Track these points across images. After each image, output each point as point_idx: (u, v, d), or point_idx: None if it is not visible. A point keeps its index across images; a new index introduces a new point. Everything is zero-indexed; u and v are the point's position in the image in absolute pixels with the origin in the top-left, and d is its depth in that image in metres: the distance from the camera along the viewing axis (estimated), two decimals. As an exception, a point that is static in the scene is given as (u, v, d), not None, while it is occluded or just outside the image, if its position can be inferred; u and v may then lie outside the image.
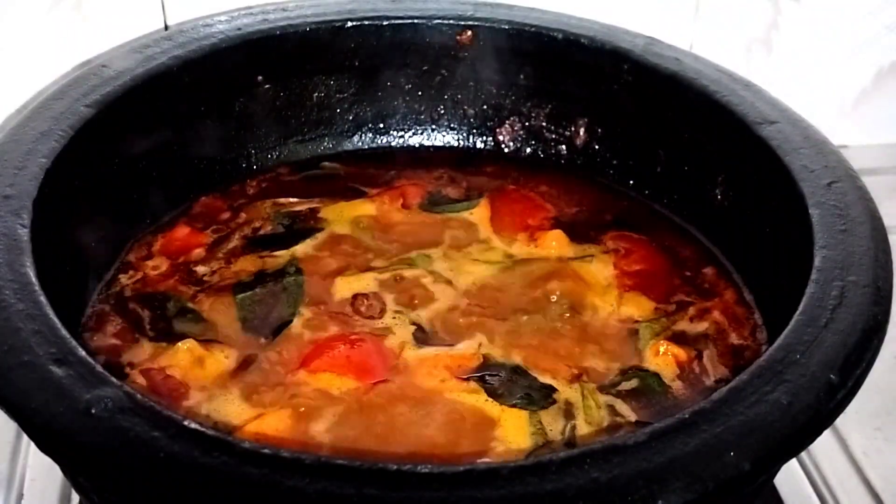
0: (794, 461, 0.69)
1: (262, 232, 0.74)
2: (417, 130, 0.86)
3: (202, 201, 0.77)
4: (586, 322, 0.67)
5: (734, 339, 0.66)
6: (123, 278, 0.69)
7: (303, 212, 0.76)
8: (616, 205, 0.79)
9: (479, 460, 0.56)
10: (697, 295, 0.70)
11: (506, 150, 0.85)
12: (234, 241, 0.73)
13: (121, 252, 0.71)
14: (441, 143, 0.86)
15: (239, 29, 0.77)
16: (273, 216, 0.76)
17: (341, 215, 0.76)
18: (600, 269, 0.71)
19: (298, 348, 0.63)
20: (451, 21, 0.82)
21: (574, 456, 0.46)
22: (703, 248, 0.74)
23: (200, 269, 0.70)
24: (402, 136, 0.86)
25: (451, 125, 0.86)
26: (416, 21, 0.82)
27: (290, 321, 0.65)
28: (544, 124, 0.84)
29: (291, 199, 0.78)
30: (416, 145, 0.86)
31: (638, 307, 0.68)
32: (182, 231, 0.73)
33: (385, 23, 0.81)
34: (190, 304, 0.67)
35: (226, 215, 0.76)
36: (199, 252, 0.71)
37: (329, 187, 0.80)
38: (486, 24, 0.81)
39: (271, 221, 0.75)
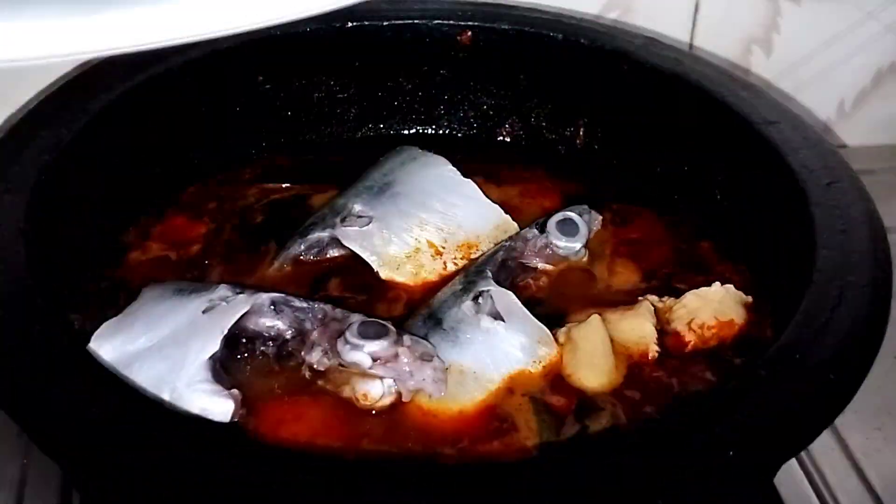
0: (793, 461, 0.69)
1: (251, 222, 0.73)
2: (417, 130, 0.86)
3: (190, 191, 0.77)
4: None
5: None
6: (114, 270, 0.69)
7: (288, 198, 0.76)
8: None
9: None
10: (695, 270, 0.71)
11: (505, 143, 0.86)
12: (226, 233, 0.73)
13: (116, 244, 0.71)
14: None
15: (239, 29, 0.77)
16: (260, 205, 0.75)
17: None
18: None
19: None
20: (451, 21, 0.82)
21: (573, 454, 0.46)
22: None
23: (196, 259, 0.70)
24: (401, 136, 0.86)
25: (451, 125, 0.86)
26: (416, 21, 0.82)
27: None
28: (544, 124, 0.85)
29: (280, 185, 0.78)
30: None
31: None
32: (178, 220, 0.73)
33: (385, 23, 0.81)
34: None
35: (213, 204, 0.76)
36: (195, 244, 0.71)
37: (319, 173, 0.79)
38: (486, 25, 0.82)
39: (259, 211, 0.75)
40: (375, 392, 0.57)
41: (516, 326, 0.62)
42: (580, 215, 0.70)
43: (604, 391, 0.60)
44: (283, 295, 0.60)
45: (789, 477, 0.69)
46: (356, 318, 0.58)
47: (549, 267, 0.69)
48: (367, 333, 0.57)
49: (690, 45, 0.96)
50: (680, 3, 0.94)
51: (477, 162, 0.80)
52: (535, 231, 0.70)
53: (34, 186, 0.59)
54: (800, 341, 0.52)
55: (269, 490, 0.43)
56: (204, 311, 0.58)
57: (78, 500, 0.65)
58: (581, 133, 0.84)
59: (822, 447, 0.71)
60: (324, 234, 0.69)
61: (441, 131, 0.86)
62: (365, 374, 0.57)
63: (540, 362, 0.61)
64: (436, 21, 0.82)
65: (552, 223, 0.69)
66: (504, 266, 0.67)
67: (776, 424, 0.47)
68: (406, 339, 0.57)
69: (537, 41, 0.81)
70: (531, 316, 0.62)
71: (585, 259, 0.70)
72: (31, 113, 0.66)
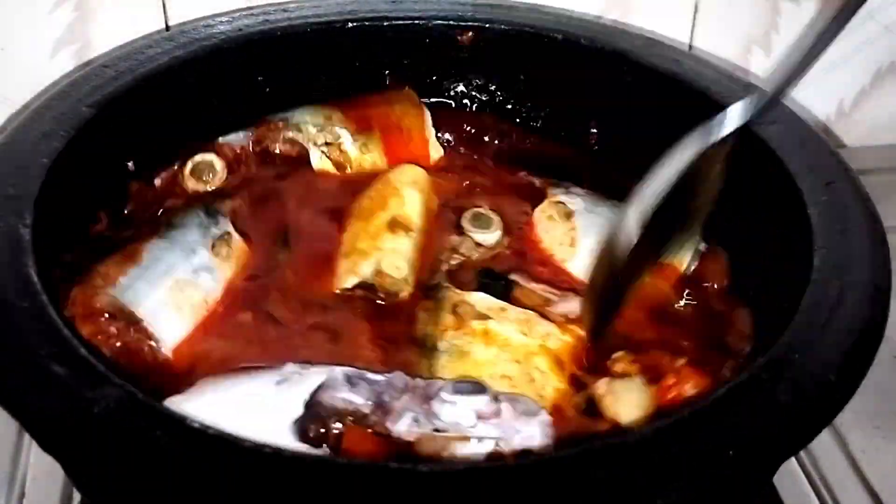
0: (792, 460, 0.69)
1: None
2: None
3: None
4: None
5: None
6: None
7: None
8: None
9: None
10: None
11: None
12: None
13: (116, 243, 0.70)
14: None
15: (240, 30, 0.77)
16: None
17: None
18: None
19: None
20: (451, 21, 0.82)
21: (574, 455, 0.46)
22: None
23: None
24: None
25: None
26: (416, 21, 0.82)
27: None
28: (544, 125, 0.85)
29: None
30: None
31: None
32: None
33: (385, 23, 0.81)
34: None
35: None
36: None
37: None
38: (486, 25, 0.82)
39: None
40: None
41: (506, 318, 0.63)
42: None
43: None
44: (356, 369, 0.57)
45: (789, 476, 0.69)
46: (442, 382, 0.57)
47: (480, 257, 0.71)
48: (463, 391, 0.55)
49: (690, 46, 0.96)
50: (680, 3, 0.95)
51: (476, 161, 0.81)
52: (456, 237, 0.71)
53: (36, 188, 0.59)
54: (799, 341, 0.52)
55: (269, 490, 0.43)
56: (277, 384, 0.56)
57: (79, 499, 0.65)
58: (580, 133, 0.84)
59: (822, 447, 0.71)
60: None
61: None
62: (462, 438, 0.54)
63: (546, 340, 0.62)
64: (436, 21, 0.82)
65: (465, 222, 0.72)
66: (453, 274, 0.68)
67: (776, 424, 0.48)
68: (502, 395, 0.56)
69: (537, 41, 0.81)
70: (513, 306, 0.64)
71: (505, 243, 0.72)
72: (31, 113, 0.66)
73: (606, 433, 0.57)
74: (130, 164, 0.72)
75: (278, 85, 0.80)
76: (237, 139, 0.76)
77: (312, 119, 0.77)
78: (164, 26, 0.88)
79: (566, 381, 0.60)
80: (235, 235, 0.68)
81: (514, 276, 0.68)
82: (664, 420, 0.47)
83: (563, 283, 0.68)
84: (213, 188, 0.73)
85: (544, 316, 0.64)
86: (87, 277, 0.60)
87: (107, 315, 0.59)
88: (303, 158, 0.77)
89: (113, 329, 0.59)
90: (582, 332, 0.63)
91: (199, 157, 0.73)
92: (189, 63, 0.74)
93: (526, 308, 0.65)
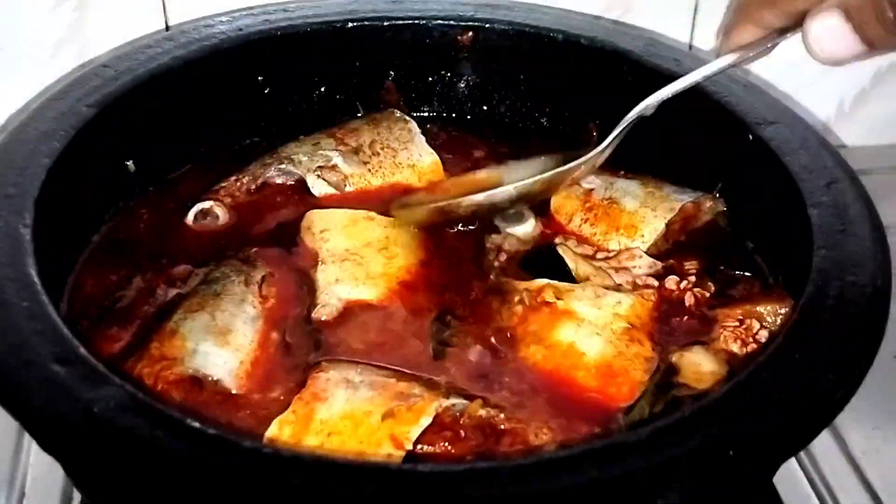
0: (792, 460, 0.69)
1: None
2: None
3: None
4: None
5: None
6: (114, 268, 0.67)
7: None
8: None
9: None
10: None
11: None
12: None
13: (116, 242, 0.70)
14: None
15: (240, 29, 0.77)
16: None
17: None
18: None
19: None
20: (452, 21, 0.82)
21: (574, 455, 0.46)
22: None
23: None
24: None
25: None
26: (416, 21, 0.82)
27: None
28: (544, 125, 0.84)
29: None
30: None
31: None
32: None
33: (385, 23, 0.81)
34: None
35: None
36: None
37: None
38: (487, 25, 0.82)
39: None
40: None
41: (575, 296, 0.64)
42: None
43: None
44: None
45: (789, 477, 0.69)
46: None
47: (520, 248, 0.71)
48: None
49: (690, 46, 0.96)
50: (680, 4, 0.95)
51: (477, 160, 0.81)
52: (497, 235, 0.71)
53: (36, 188, 0.60)
54: (799, 341, 0.52)
55: (269, 489, 0.43)
56: (383, 419, 0.54)
57: (79, 498, 0.65)
58: (580, 133, 0.84)
59: (822, 447, 0.71)
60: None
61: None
62: None
63: (617, 308, 0.63)
64: (436, 21, 0.82)
65: (498, 221, 0.72)
66: (505, 270, 0.68)
67: (776, 424, 0.48)
68: None
69: (537, 41, 0.81)
70: (577, 284, 0.65)
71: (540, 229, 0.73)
72: (31, 113, 0.66)
73: (606, 432, 0.57)
74: (130, 163, 0.72)
75: (278, 85, 0.80)
76: (232, 182, 0.74)
77: (302, 149, 0.76)
78: (164, 26, 0.88)
79: (647, 339, 0.62)
80: (275, 275, 0.66)
81: (561, 252, 0.69)
82: (664, 420, 0.47)
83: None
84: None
85: (607, 287, 0.65)
86: (145, 351, 0.58)
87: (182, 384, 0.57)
88: (302, 186, 0.75)
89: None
90: (652, 294, 0.65)
91: (198, 206, 0.71)
92: (189, 63, 0.74)
93: (587, 277, 0.66)
